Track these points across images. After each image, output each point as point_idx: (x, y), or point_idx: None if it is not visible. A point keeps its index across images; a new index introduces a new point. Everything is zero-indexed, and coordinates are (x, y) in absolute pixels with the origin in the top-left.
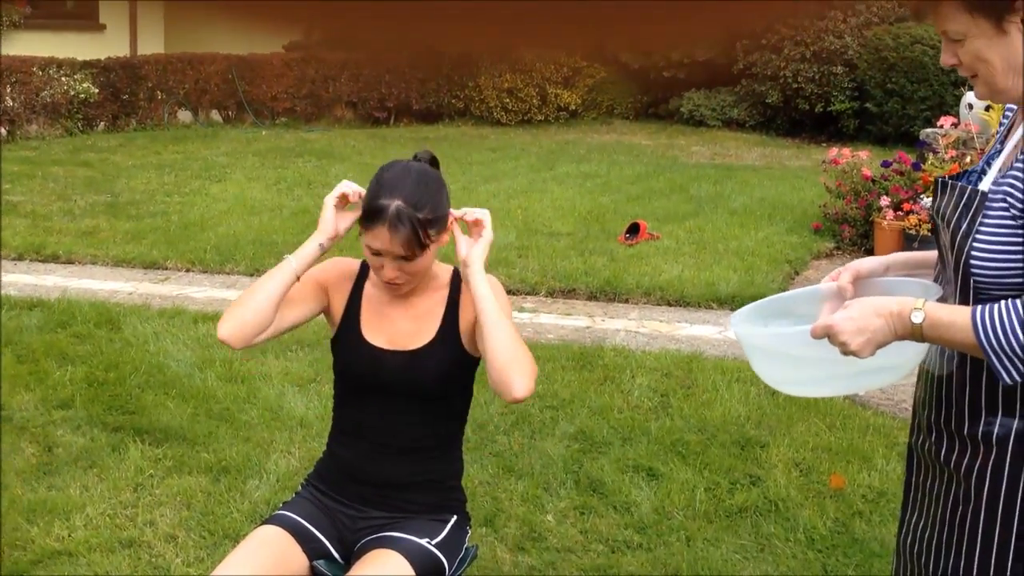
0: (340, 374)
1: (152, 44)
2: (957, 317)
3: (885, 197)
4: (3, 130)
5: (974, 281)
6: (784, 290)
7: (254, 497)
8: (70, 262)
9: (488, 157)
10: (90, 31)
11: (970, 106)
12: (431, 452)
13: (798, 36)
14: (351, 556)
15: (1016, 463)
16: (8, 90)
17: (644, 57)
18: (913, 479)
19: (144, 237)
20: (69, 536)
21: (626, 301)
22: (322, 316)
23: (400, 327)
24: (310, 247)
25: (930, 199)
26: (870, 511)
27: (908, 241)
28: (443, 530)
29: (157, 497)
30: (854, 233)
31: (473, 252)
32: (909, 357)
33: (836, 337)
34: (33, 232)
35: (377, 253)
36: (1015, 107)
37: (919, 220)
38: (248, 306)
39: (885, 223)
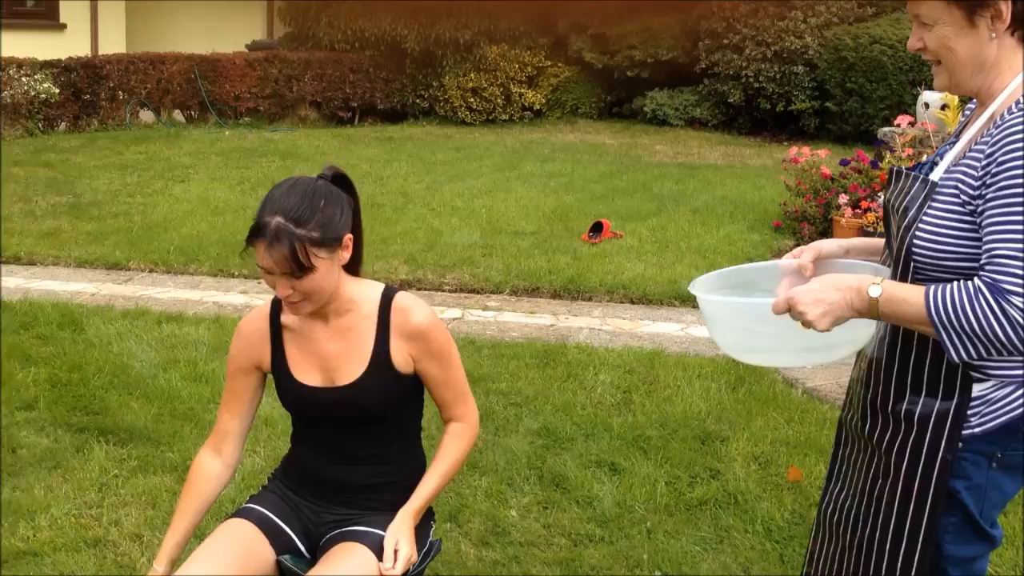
0: (285, 406)
1: (114, 43)
2: (911, 295)
3: (843, 195)
4: None
5: (913, 262)
6: None
7: (219, 496)
8: (32, 263)
9: (453, 156)
10: (51, 30)
11: (926, 105)
12: (387, 458)
13: (759, 36)
14: (316, 550)
15: (934, 441)
16: None
17: (608, 57)
18: (840, 451)
19: (107, 238)
20: (34, 536)
21: (589, 299)
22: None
23: (330, 358)
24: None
25: None
26: None
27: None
28: None
29: (122, 497)
30: (813, 231)
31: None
32: (858, 335)
33: (796, 307)
34: None
35: (268, 272)
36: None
37: (876, 217)
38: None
39: (843, 220)
